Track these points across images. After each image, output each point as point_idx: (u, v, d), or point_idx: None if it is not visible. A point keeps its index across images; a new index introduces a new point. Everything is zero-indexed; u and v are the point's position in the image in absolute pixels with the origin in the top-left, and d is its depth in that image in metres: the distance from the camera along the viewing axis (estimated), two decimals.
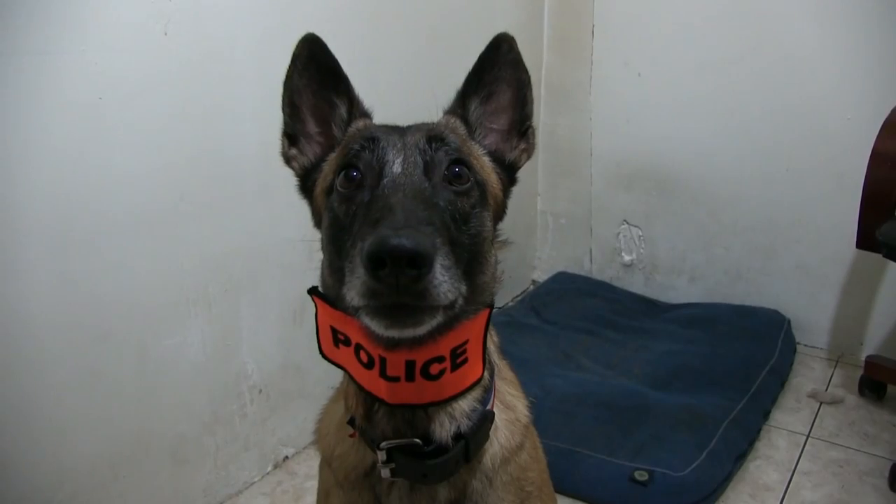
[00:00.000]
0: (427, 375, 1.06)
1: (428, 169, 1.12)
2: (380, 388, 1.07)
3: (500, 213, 1.26)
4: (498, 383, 1.25)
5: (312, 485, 2.40)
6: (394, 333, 0.99)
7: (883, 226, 2.39)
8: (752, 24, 3.30)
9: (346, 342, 1.10)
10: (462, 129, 1.27)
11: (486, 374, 1.14)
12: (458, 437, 1.13)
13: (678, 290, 3.78)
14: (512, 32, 3.65)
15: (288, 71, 1.25)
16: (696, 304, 3.63)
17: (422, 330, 0.99)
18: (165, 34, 1.92)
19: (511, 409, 1.29)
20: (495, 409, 1.21)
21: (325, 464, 1.34)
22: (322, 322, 1.14)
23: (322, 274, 1.23)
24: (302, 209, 2.32)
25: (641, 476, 2.28)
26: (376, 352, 1.06)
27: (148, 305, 2.05)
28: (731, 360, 3.01)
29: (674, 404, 2.66)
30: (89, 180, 1.85)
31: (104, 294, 1.93)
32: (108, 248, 1.92)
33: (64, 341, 1.87)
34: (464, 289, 1.02)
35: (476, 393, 1.16)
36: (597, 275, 3.99)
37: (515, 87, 1.29)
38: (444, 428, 1.12)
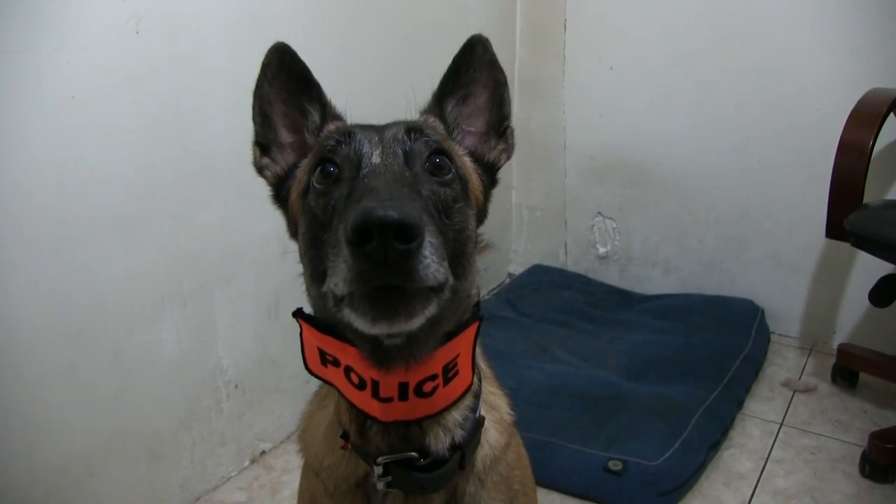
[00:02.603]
0: (420, 394, 1.04)
1: (408, 159, 1.08)
2: (372, 407, 1.05)
3: (481, 216, 1.22)
4: (483, 385, 1.23)
5: (289, 479, 2.42)
6: (382, 329, 0.92)
7: (851, 215, 2.42)
8: (723, 19, 3.34)
9: (336, 363, 1.07)
10: (441, 128, 1.25)
11: (474, 379, 1.13)
12: (453, 447, 1.12)
13: (653, 282, 3.81)
14: (485, 27, 3.68)
15: (258, 80, 1.24)
16: (671, 295, 3.67)
17: (414, 324, 0.92)
18: (137, 33, 1.92)
19: (496, 408, 1.28)
20: (483, 412, 1.20)
21: (312, 473, 1.30)
22: (307, 342, 1.11)
23: (306, 291, 1.16)
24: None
25: (615, 466, 2.30)
26: (368, 375, 1.03)
27: (122, 302, 2.05)
28: (704, 350, 3.04)
29: (647, 394, 2.69)
30: (63, 178, 1.86)
31: (78, 291, 1.94)
32: (81, 245, 1.92)
33: (39, 338, 1.87)
34: (451, 277, 0.96)
35: (467, 401, 1.14)
36: (572, 267, 4.02)
37: (492, 88, 1.28)
38: (439, 441, 1.11)
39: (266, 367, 2.56)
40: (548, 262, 4.03)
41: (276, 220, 2.34)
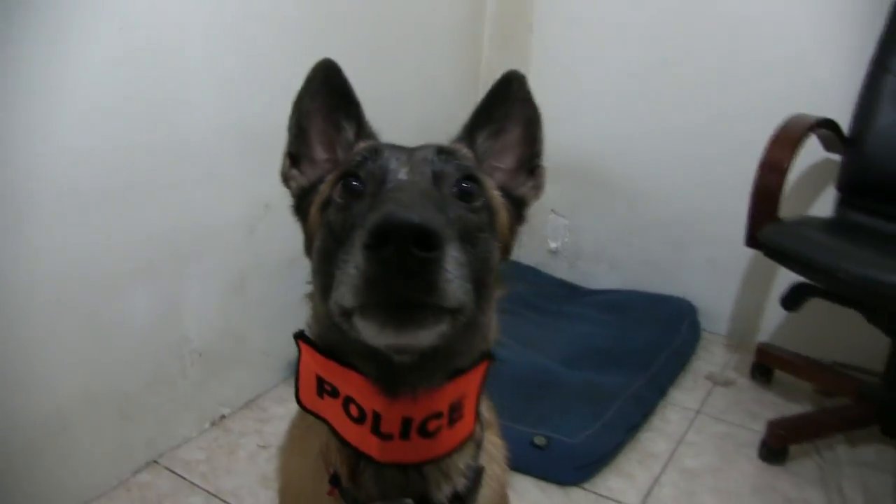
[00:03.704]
0: (423, 433, 0.97)
1: (437, 180, 1.01)
2: (370, 445, 0.97)
3: (505, 253, 1.15)
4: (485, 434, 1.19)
5: (245, 441, 2.64)
6: (390, 338, 0.84)
7: (764, 228, 2.68)
8: (678, 35, 3.58)
9: (334, 393, 0.99)
10: (472, 156, 1.19)
11: (477, 428, 1.08)
12: (454, 497, 1.07)
13: (599, 278, 4.05)
14: (454, 28, 3.96)
15: (299, 93, 1.20)
16: (614, 290, 3.91)
17: (425, 338, 0.84)
18: (120, 29, 2.09)
19: (494, 460, 1.24)
20: (483, 462, 1.15)
21: None
22: (304, 369, 1.03)
23: (312, 311, 1.09)
24: (244, 190, 2.53)
25: (540, 441, 2.53)
26: (371, 405, 0.96)
27: (98, 275, 2.20)
28: (637, 343, 3.28)
29: (578, 380, 2.92)
30: (47, 158, 1.99)
31: (59, 262, 2.08)
32: (62, 220, 2.07)
33: (21, 305, 2.02)
34: (473, 302, 0.88)
35: (469, 449, 1.09)
36: (525, 260, 4.24)
37: (525, 125, 1.24)
38: (440, 489, 1.05)
39: (229, 339, 2.73)
40: None
41: (244, 204, 2.55)
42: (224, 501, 2.35)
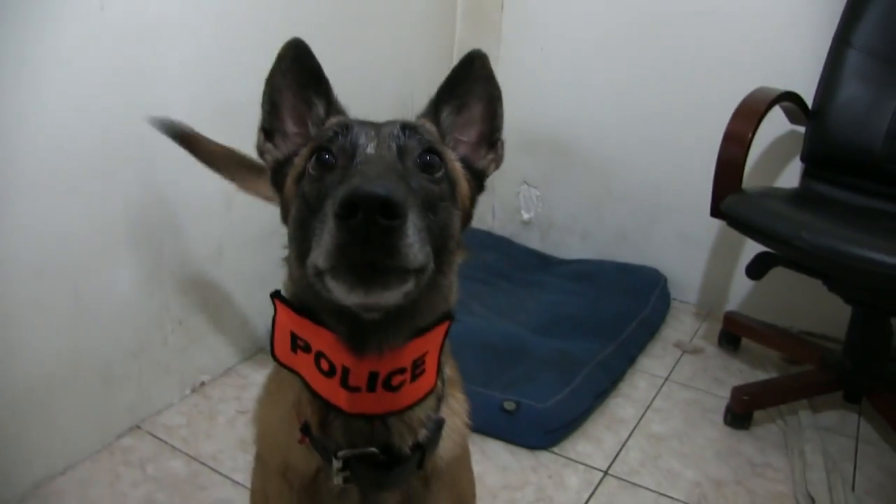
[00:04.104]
0: (388, 387, 1.03)
1: (401, 153, 1.08)
2: (339, 397, 1.04)
3: (466, 220, 1.22)
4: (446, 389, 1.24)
5: (224, 407, 2.71)
6: (359, 297, 0.91)
7: (727, 198, 2.75)
8: (648, 12, 3.64)
9: (306, 348, 1.06)
10: (435, 131, 1.25)
11: (438, 382, 1.13)
12: (415, 446, 1.13)
13: (570, 248, 4.13)
14: (428, 6, 4.00)
15: (271, 70, 1.25)
16: (585, 260, 3.98)
17: (390, 297, 0.92)
18: (102, 9, 2.13)
19: (457, 414, 1.29)
20: (444, 415, 1.21)
21: (274, 473, 1.27)
22: (280, 326, 1.10)
23: (288, 275, 1.16)
24: None
25: (509, 406, 2.61)
26: (340, 360, 1.02)
27: (81, 246, 2.25)
28: (606, 312, 3.35)
29: (548, 348, 2.99)
30: (27, 133, 2.03)
31: (44, 234, 2.13)
32: (48, 195, 2.12)
33: (8, 274, 2.07)
34: (432, 263, 0.96)
35: (430, 402, 1.15)
36: (498, 230, 4.32)
37: (486, 101, 1.30)
38: (403, 439, 1.12)
39: (209, 307, 2.79)
40: (476, 224, 4.21)
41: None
42: (204, 464, 2.42)
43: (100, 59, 2.18)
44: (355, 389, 1.02)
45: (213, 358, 2.88)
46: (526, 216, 4.24)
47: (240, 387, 2.85)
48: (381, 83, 3.40)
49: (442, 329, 1.08)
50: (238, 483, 2.34)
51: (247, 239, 2.81)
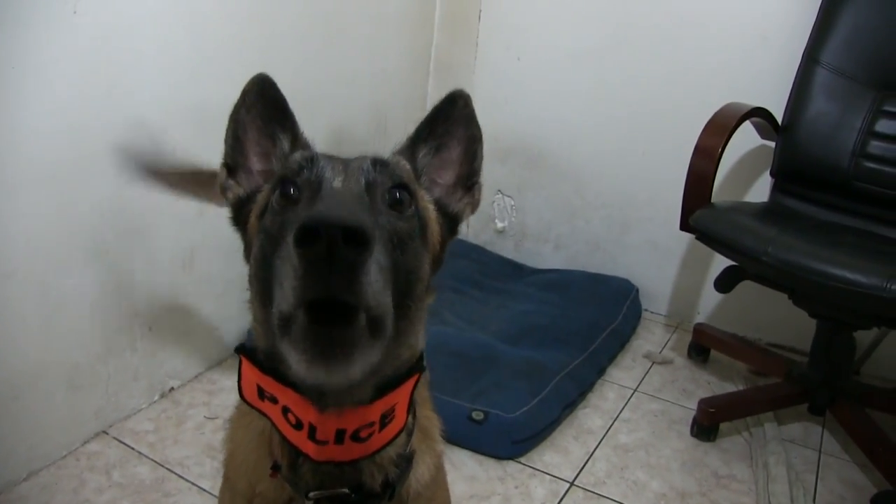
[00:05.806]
0: (356, 439, 1.00)
1: (370, 189, 1.02)
2: (307, 447, 1.00)
3: (436, 264, 1.15)
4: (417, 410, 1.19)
5: (193, 412, 2.71)
6: (319, 375, 0.84)
7: (696, 212, 2.78)
8: (623, 23, 3.68)
9: (273, 400, 1.01)
10: (409, 169, 1.19)
11: (409, 418, 1.09)
12: (385, 483, 1.10)
13: (544, 257, 4.16)
14: (405, 12, 4.00)
15: (235, 105, 1.21)
16: (557, 270, 4.01)
17: (353, 372, 0.85)
18: (74, 13, 2.13)
19: (429, 437, 1.26)
20: (414, 438, 1.16)
21: (244, 500, 1.22)
22: (246, 377, 1.04)
23: (253, 318, 1.10)
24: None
25: (478, 416, 2.62)
26: (307, 418, 0.98)
27: (49, 249, 2.24)
28: (577, 322, 3.37)
29: (518, 357, 3.00)
30: (2, 137, 2.03)
31: (12, 237, 2.12)
32: (14, 195, 2.10)
33: None
34: (391, 312, 0.89)
35: (401, 439, 1.10)
36: (472, 239, 4.33)
37: (466, 142, 1.26)
38: (374, 479, 1.09)
39: (178, 313, 2.79)
40: None
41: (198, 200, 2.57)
42: (170, 471, 2.41)
43: (72, 62, 2.18)
44: (323, 443, 0.99)
45: (183, 363, 2.88)
46: (500, 225, 4.26)
47: (209, 392, 2.85)
48: (356, 90, 3.40)
49: (411, 383, 1.03)
50: (204, 490, 2.34)
51: (219, 245, 2.81)
